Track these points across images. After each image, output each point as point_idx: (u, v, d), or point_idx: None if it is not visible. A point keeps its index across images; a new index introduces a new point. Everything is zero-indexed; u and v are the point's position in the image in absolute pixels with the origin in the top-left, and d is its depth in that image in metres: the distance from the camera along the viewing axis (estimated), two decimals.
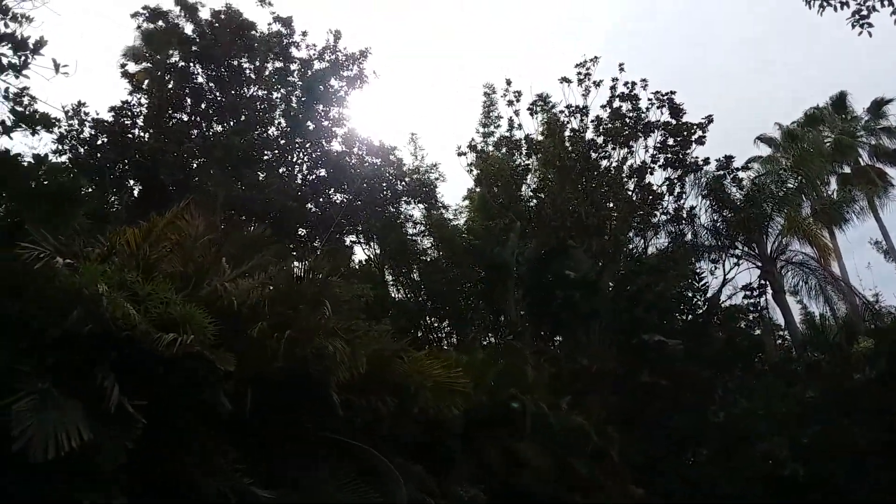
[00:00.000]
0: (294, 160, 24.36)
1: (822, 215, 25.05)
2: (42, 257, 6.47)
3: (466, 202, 28.44)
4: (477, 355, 14.53)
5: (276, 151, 24.10)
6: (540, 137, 26.01)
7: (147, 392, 7.92)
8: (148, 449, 7.91)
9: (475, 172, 26.33)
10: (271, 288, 10.37)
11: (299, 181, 23.67)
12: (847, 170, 30.49)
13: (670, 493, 15.86)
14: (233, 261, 10.96)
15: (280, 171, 23.69)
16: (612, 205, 24.19)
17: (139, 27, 24.23)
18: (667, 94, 24.87)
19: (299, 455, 9.08)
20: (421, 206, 25.65)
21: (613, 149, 25.28)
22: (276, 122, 24.76)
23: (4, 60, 7.69)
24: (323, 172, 24.34)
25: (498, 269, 19.25)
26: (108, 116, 21.14)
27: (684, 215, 23.88)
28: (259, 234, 13.48)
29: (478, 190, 27.14)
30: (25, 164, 7.62)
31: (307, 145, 24.55)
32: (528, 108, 26.28)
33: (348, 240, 25.10)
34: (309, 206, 22.94)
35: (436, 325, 24.41)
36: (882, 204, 29.46)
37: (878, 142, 31.53)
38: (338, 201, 24.09)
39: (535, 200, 25.20)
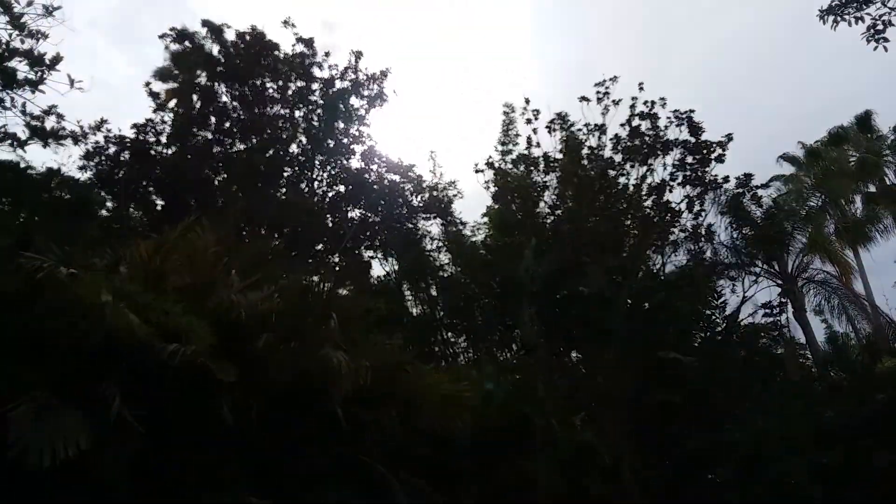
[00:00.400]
0: (314, 177, 24.67)
1: (845, 234, 24.65)
2: (45, 267, 6.62)
3: (485, 219, 28.50)
4: (488, 370, 14.48)
5: (297, 168, 24.44)
6: (558, 155, 26.01)
7: (150, 402, 8.03)
8: (150, 459, 8.01)
9: (493, 189, 26.38)
10: (280, 300, 10.50)
11: (318, 197, 23.96)
12: (872, 189, 29.96)
13: None
14: (243, 273, 11.12)
15: (300, 187, 24.01)
16: (629, 222, 24.05)
17: (167, 48, 24.87)
18: (686, 112, 24.74)
19: (303, 467, 9.12)
20: (439, 221, 25.77)
21: (632, 167, 25.19)
22: (297, 139, 25.14)
23: (20, 76, 7.94)
24: (342, 188, 24.61)
25: (512, 285, 19.21)
26: (131, 133, 21.65)
27: (703, 233, 23.65)
28: (269, 248, 13.67)
29: (496, 207, 27.18)
30: (37, 176, 7.83)
31: (327, 163, 24.87)
32: (547, 127, 26.29)
33: (366, 255, 25.28)
34: (327, 221, 23.18)
35: (452, 340, 24.39)
36: None
37: None
38: (355, 217, 24.32)
39: (552, 217, 25.15)
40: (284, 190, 23.26)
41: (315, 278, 15.09)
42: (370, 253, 25.39)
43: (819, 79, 60.47)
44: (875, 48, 12.01)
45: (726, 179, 23.95)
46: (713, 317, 20.80)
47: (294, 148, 24.92)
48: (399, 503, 8.66)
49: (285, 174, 24.13)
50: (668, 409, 17.59)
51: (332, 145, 24.62)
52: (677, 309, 18.98)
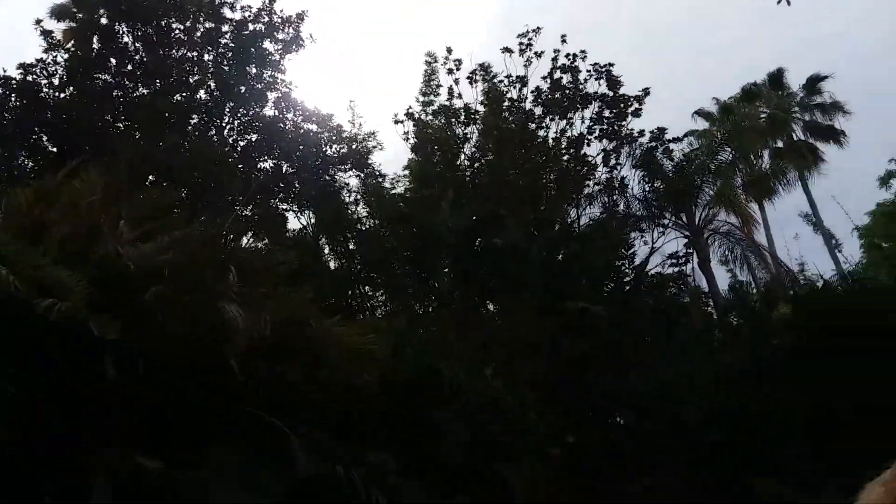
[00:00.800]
0: (223, 124, 23.62)
1: (751, 187, 25.66)
2: None
3: (406, 171, 28.18)
4: (399, 322, 14.43)
5: (205, 115, 23.31)
6: (479, 107, 25.84)
7: (29, 360, 7.56)
8: (31, 420, 7.56)
9: (412, 141, 26.03)
10: (176, 252, 10.02)
11: (228, 146, 22.99)
12: (780, 144, 31.21)
13: (591, 459, 16.13)
14: (137, 223, 10.55)
15: (209, 134, 22.96)
16: (548, 175, 24.22)
17: None
18: (605, 65, 24.89)
19: (196, 424, 8.85)
20: (358, 173, 25.30)
21: (552, 120, 25.30)
22: (206, 84, 23.94)
23: None
24: (254, 137, 23.70)
25: (430, 238, 19.10)
26: (17, 74, 20.05)
27: (617, 186, 24.11)
28: (169, 197, 13.01)
29: (417, 158, 26.89)
30: None
31: (238, 109, 23.83)
32: (468, 77, 25.99)
33: (281, 207, 24.59)
34: (238, 171, 22.30)
35: (370, 294, 24.22)
36: (812, 179, 30.36)
37: (811, 118, 32.31)
38: (268, 167, 23.54)
39: (471, 170, 25.08)
40: (192, 137, 22.20)
41: (222, 231, 14.52)
42: (285, 205, 24.72)
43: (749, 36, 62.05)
44: (779, 2, 12.26)
45: (641, 133, 24.40)
46: (623, 267, 21.37)
47: (202, 93, 23.74)
48: (296, 456, 8.53)
49: (192, 121, 23.00)
50: (577, 357, 18.09)
51: (243, 91, 23.57)
52: (590, 261, 19.38)
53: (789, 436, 15.46)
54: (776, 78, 33.14)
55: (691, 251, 22.81)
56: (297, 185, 23.79)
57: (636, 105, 24.64)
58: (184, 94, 22.66)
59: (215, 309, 9.02)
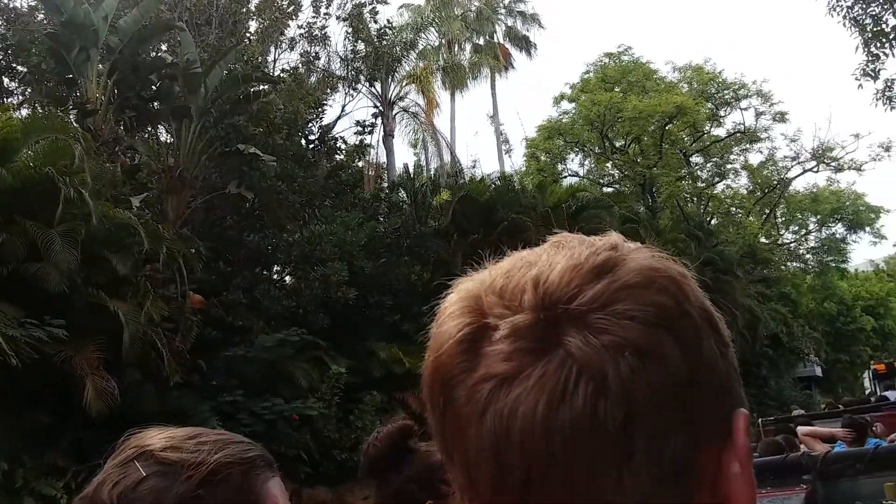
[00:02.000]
0: None
1: (446, 76, 26.37)
2: None
3: None
4: (15, 122, 11.91)
5: None
6: None
7: None
8: None
9: None
10: None
11: None
12: (481, 41, 32.42)
13: (236, 308, 15.75)
14: None
15: None
16: (248, 3, 21.75)
17: None
18: None
19: None
20: None
21: None
22: None
23: None
24: None
25: (85, 32, 15.85)
26: None
27: (320, 35, 22.75)
28: None
29: None
30: None
31: None
32: None
33: None
34: None
35: (9, 87, 19.89)
36: (500, 82, 32.25)
37: (513, 24, 33.98)
38: None
39: None
40: None
41: None
42: None
43: None
44: None
45: None
46: (310, 124, 20.57)
47: None
48: None
49: None
50: (239, 204, 17.23)
51: None
52: (276, 108, 18.20)
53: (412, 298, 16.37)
54: None
55: (377, 124, 22.86)
56: None
57: None
58: None
59: None
